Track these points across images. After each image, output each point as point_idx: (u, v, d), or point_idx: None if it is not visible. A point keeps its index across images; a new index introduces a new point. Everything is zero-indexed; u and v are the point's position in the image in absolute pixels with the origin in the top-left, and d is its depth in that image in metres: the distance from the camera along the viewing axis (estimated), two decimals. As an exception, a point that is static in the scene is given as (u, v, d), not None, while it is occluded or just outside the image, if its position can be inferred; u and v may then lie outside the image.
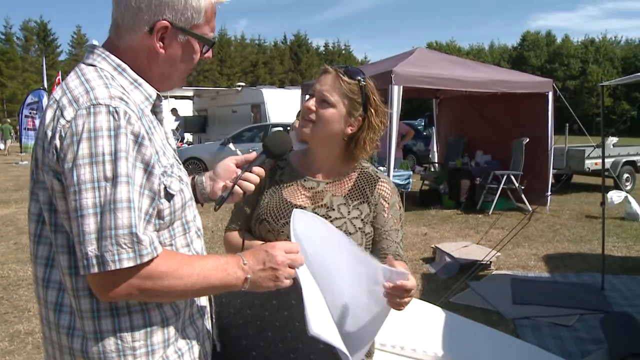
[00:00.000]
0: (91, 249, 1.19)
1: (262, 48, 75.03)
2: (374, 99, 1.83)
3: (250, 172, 1.65)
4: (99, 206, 1.19)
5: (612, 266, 6.35)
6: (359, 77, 1.81)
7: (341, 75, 1.79)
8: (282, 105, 17.86)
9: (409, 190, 11.41)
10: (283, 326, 1.59)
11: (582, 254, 7.24)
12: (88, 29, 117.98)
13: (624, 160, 12.66)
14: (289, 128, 12.54)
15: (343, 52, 79.98)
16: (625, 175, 12.82)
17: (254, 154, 1.70)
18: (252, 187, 1.65)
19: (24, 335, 4.61)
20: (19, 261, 6.94)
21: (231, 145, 14.66)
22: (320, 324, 1.47)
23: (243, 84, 26.66)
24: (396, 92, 8.38)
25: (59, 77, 37.66)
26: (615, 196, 9.11)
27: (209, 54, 1.51)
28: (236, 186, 1.62)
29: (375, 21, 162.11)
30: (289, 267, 1.42)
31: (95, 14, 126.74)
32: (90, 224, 1.19)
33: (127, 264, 1.20)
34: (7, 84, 58.47)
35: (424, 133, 19.96)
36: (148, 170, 1.28)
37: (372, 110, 1.83)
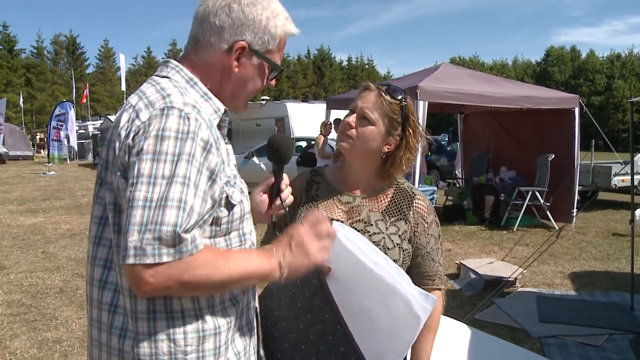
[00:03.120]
0: (132, 239, 1.20)
1: (286, 62, 75.47)
2: (412, 120, 1.84)
3: (281, 190, 1.69)
4: (149, 200, 1.21)
5: (641, 286, 6.23)
6: (401, 97, 1.82)
7: (383, 94, 1.81)
8: (305, 119, 17.93)
9: (433, 205, 11.36)
10: (316, 340, 1.60)
11: (610, 273, 7.12)
12: (115, 42, 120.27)
13: (652, 177, 12.44)
14: (312, 142, 12.64)
15: (366, 66, 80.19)
16: (654, 193, 12.59)
17: (271, 178, 1.72)
18: (292, 199, 1.72)
19: (52, 343, 4.68)
20: (47, 270, 7.06)
21: (255, 159, 14.74)
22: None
23: (267, 97, 26.85)
24: (421, 108, 8.37)
25: (87, 90, 38.38)
26: (644, 214, 8.95)
27: (273, 81, 1.56)
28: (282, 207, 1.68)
29: (398, 36, 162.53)
30: (317, 238, 1.44)
31: (122, 28, 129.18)
32: (137, 216, 1.21)
33: (166, 258, 1.21)
34: (37, 96, 59.83)
35: (448, 148, 19.89)
36: (212, 177, 1.32)
37: (410, 130, 1.84)
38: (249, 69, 1.48)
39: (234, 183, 1.42)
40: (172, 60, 1.49)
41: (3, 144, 31.01)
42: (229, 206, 1.40)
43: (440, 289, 1.94)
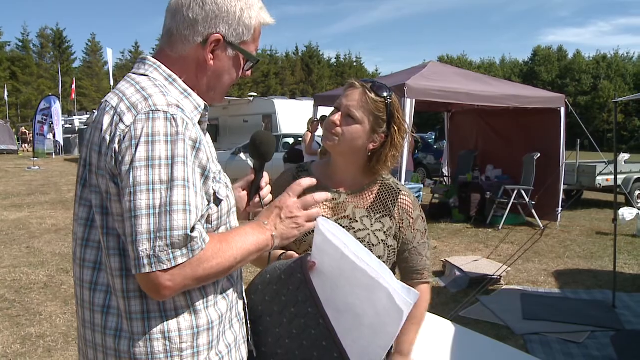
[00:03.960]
0: (143, 248, 1.22)
1: (274, 59, 75.23)
2: (398, 117, 1.86)
3: (260, 188, 1.71)
4: (152, 208, 1.22)
5: (623, 284, 6.31)
6: (386, 94, 1.83)
7: (368, 92, 1.81)
8: (293, 116, 17.94)
9: (419, 203, 11.40)
10: (299, 334, 1.60)
11: (593, 271, 7.20)
12: (102, 36, 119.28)
13: (635, 177, 12.57)
14: (300, 139, 12.63)
15: (355, 64, 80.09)
16: (637, 192, 12.69)
17: (251, 174, 1.73)
18: (270, 198, 1.73)
19: (35, 339, 4.65)
20: (31, 265, 7.01)
21: (242, 155, 14.73)
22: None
23: (255, 94, 26.78)
24: (408, 106, 8.40)
25: (74, 84, 38.14)
26: (627, 213, 9.07)
27: (249, 72, 1.56)
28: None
29: (387, 34, 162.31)
30: (304, 209, 1.51)
31: (109, 22, 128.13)
32: (143, 225, 1.22)
33: (181, 260, 1.24)
34: (22, 90, 59.11)
35: (435, 146, 19.99)
36: (205, 174, 1.35)
37: (396, 128, 1.85)
38: (224, 61, 1.48)
39: (219, 179, 1.43)
40: (149, 57, 1.48)
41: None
42: (217, 202, 1.41)
43: (428, 282, 1.96)
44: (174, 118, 1.29)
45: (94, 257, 1.39)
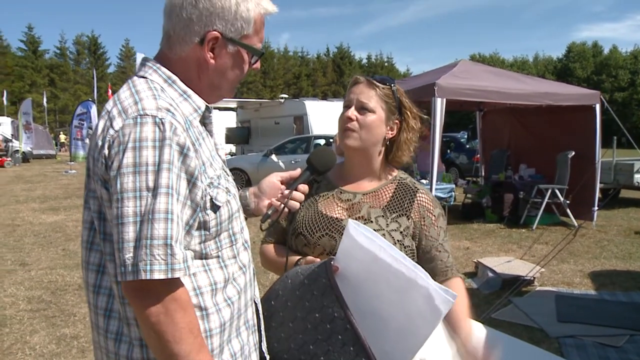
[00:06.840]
0: (128, 256, 1.20)
1: (305, 60, 75.59)
2: (406, 102, 1.88)
3: (296, 189, 1.70)
4: (139, 215, 1.20)
5: (663, 285, 6.13)
6: (389, 83, 1.86)
7: (374, 82, 1.83)
8: (324, 117, 17.94)
9: (452, 203, 11.28)
10: (325, 339, 1.57)
11: (631, 272, 6.99)
12: (136, 42, 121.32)
13: (675, 175, 12.20)
14: (331, 140, 12.63)
15: (386, 64, 79.87)
16: (678, 191, 12.35)
17: (298, 171, 1.74)
18: (297, 205, 1.71)
19: (69, 339, 4.74)
20: (67, 267, 7.16)
21: (274, 157, 14.80)
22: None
23: (286, 95, 26.90)
24: (439, 105, 8.31)
25: (110, 89, 38.96)
26: (666, 212, 8.80)
27: (257, 64, 1.52)
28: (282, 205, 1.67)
29: (417, 34, 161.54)
30: None
31: (142, 28, 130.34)
32: (129, 232, 1.20)
33: (157, 275, 1.20)
34: (60, 96, 60.73)
35: (467, 146, 19.77)
36: (192, 181, 1.30)
37: (408, 113, 1.87)
38: (225, 58, 1.44)
39: (217, 184, 1.39)
40: (150, 59, 1.46)
41: (30, 143, 31.40)
42: (215, 208, 1.37)
43: (460, 276, 1.94)
44: (162, 122, 1.26)
45: (98, 260, 1.38)
